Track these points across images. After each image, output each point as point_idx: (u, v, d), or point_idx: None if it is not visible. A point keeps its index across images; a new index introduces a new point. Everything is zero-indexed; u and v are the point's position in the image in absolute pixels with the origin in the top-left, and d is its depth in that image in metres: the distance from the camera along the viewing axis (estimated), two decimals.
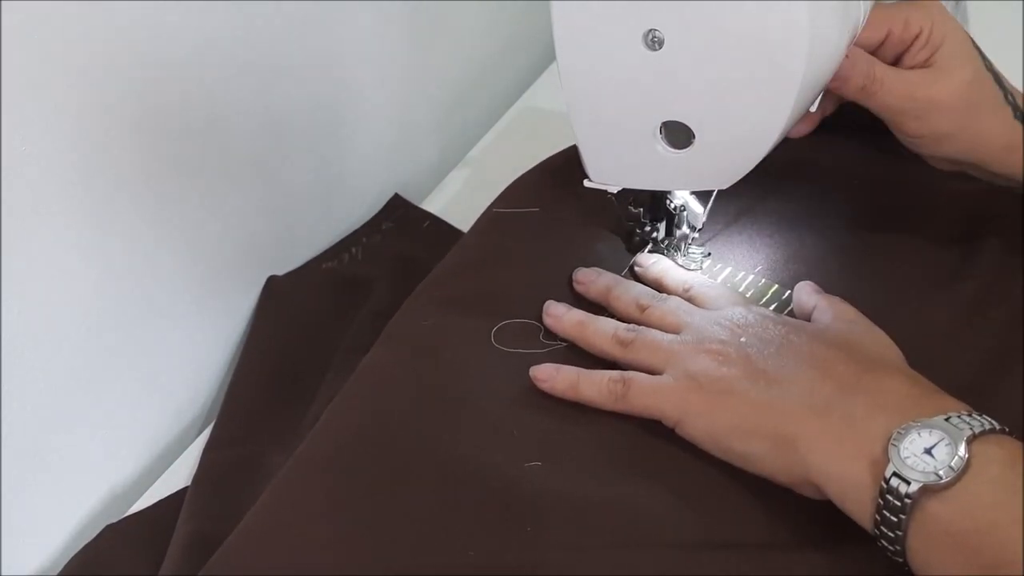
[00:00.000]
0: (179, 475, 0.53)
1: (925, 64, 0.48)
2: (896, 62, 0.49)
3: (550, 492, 0.41)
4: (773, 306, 0.51)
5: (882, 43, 0.49)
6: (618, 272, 0.53)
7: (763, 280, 0.53)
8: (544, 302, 0.50)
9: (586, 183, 0.49)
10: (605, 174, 0.49)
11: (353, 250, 0.65)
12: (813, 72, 0.41)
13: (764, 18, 0.39)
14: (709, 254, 0.54)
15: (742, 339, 0.44)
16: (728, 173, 0.46)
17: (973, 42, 0.50)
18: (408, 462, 0.43)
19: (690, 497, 0.42)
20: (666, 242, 0.53)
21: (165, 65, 0.48)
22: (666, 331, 0.46)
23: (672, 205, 0.52)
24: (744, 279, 0.53)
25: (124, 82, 0.46)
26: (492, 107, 0.79)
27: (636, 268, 0.53)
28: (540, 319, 0.50)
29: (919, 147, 0.50)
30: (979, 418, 0.36)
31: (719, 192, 0.51)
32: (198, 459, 0.52)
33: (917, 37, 0.48)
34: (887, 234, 0.54)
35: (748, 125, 0.43)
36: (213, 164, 0.54)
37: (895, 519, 0.35)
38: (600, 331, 0.48)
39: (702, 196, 0.53)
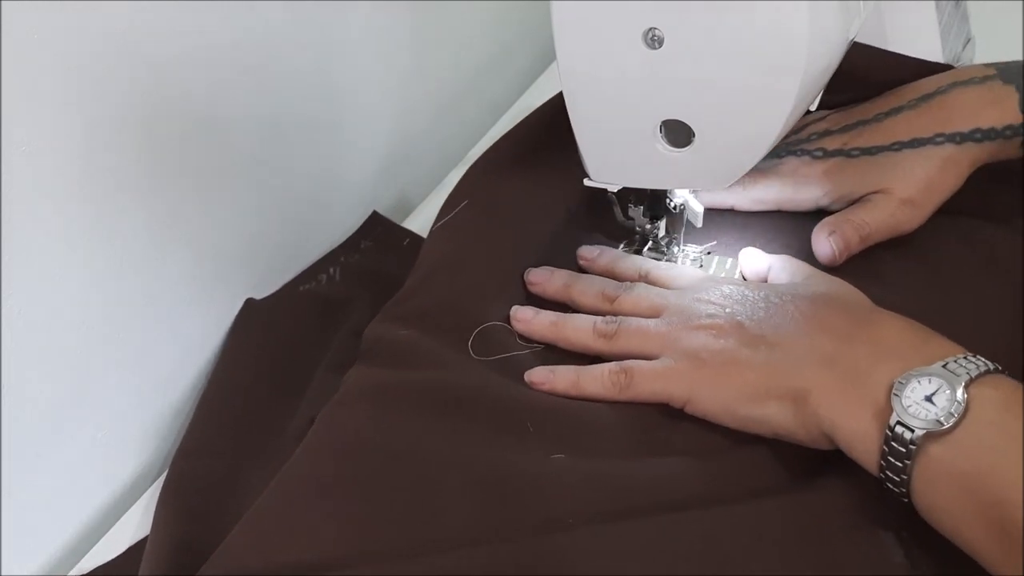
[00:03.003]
0: None
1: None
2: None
3: (576, 479, 0.41)
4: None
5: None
6: (570, 257, 0.53)
7: (716, 257, 0.54)
8: (508, 300, 0.50)
9: (586, 182, 0.49)
10: (605, 173, 0.49)
11: (331, 270, 0.63)
12: (813, 72, 0.41)
13: (764, 17, 0.39)
14: (709, 252, 0.54)
15: (727, 310, 0.45)
16: (728, 172, 0.46)
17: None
18: (421, 465, 0.42)
19: (710, 459, 0.42)
20: (666, 240, 0.53)
21: (165, 66, 0.48)
22: (643, 317, 0.47)
23: (672, 204, 0.52)
24: (698, 259, 0.54)
25: (124, 83, 0.46)
26: (491, 107, 0.79)
27: (581, 261, 0.54)
28: (509, 322, 0.50)
29: None
30: (975, 360, 0.38)
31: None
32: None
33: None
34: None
35: (748, 124, 0.43)
36: (214, 165, 0.54)
37: (900, 464, 0.37)
38: (578, 327, 0.48)
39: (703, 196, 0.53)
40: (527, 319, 0.49)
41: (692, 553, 0.38)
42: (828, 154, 0.53)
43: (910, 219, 0.50)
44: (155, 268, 0.52)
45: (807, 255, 0.50)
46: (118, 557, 0.48)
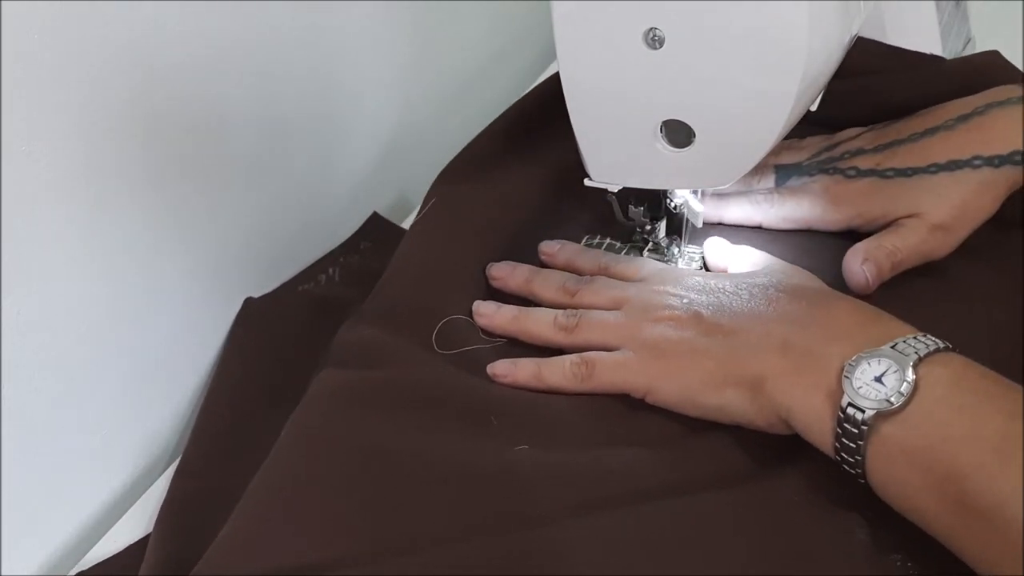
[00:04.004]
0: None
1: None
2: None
3: (545, 470, 0.42)
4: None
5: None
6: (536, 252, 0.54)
7: (684, 249, 0.54)
8: (471, 295, 0.51)
9: (587, 182, 0.49)
10: (605, 173, 0.49)
11: (330, 271, 0.63)
12: (813, 71, 0.41)
13: (764, 17, 0.39)
14: None
15: (685, 301, 0.46)
16: (728, 172, 0.46)
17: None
18: (391, 462, 0.42)
19: (672, 448, 0.43)
20: (666, 241, 0.53)
21: (165, 66, 0.48)
22: (603, 309, 0.48)
23: (672, 204, 0.52)
24: (698, 259, 0.54)
25: (124, 83, 0.46)
26: (492, 108, 0.79)
27: (542, 256, 0.54)
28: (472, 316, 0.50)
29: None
30: (924, 339, 0.38)
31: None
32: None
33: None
34: None
35: (748, 124, 0.43)
36: (214, 164, 0.54)
37: (853, 445, 0.37)
38: (539, 320, 0.49)
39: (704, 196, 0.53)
40: (489, 314, 0.50)
41: (664, 542, 0.39)
42: (861, 173, 0.52)
43: (942, 245, 0.49)
44: (155, 268, 0.52)
45: (834, 277, 0.50)
46: (118, 554, 0.48)
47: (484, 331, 0.50)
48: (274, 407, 0.51)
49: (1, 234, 0.42)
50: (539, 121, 0.59)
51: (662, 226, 0.53)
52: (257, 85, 0.55)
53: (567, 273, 0.52)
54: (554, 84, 0.59)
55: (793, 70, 0.40)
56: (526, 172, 0.57)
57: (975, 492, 0.34)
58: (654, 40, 0.41)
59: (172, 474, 0.53)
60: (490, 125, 0.60)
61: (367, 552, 0.39)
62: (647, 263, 0.52)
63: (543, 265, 0.54)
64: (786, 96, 0.41)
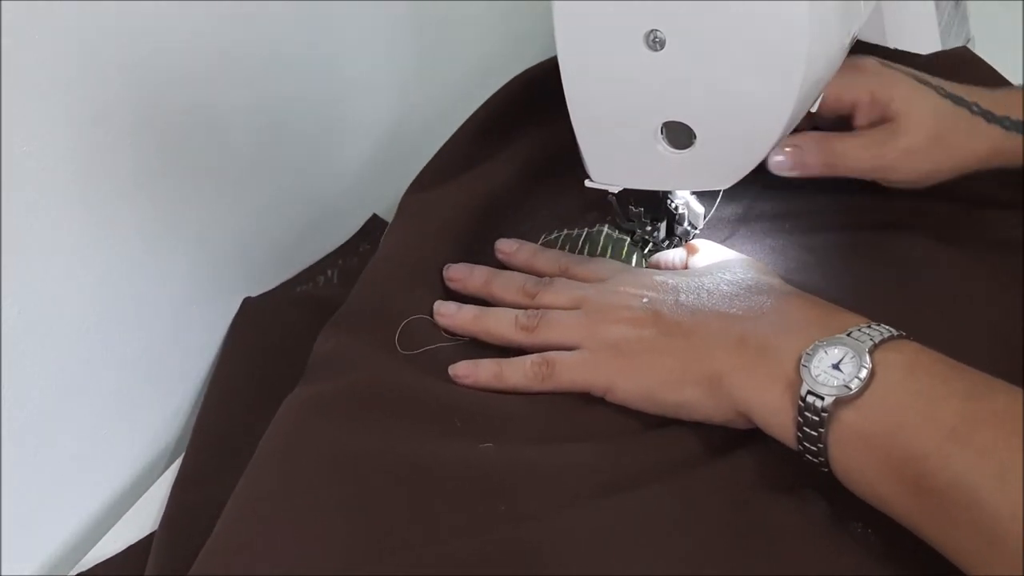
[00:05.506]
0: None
1: (883, 119, 0.50)
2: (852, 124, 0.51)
3: (511, 467, 0.42)
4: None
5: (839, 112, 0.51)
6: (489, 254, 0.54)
7: (626, 238, 0.55)
8: (433, 296, 0.51)
9: (587, 183, 0.50)
10: (606, 174, 0.49)
11: (329, 272, 0.63)
12: (813, 72, 0.41)
13: (764, 18, 0.39)
14: None
15: (644, 300, 0.46)
16: (729, 173, 0.46)
17: (920, 76, 0.51)
18: (359, 468, 0.42)
19: (631, 440, 0.44)
20: (667, 242, 0.54)
21: (165, 66, 0.48)
22: (563, 309, 0.48)
23: (673, 205, 0.52)
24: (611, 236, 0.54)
25: (123, 84, 0.46)
26: None
27: (499, 255, 0.54)
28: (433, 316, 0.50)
29: (906, 187, 0.52)
30: (878, 328, 0.39)
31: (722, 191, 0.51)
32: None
33: (868, 101, 0.50)
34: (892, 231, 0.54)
35: (749, 125, 0.43)
36: (214, 165, 0.54)
37: (815, 433, 0.38)
38: (500, 320, 0.49)
39: (706, 197, 0.53)
40: (450, 314, 0.50)
41: (635, 531, 0.39)
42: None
43: (903, 167, 0.50)
44: (154, 268, 0.52)
45: (815, 272, 0.51)
46: (118, 554, 0.48)
47: (446, 330, 0.50)
48: (271, 407, 0.51)
49: (1, 234, 0.42)
50: (506, 122, 0.60)
51: (662, 226, 0.53)
52: (257, 85, 0.55)
53: (526, 275, 0.52)
54: (522, 83, 0.61)
55: (794, 72, 0.40)
56: (487, 172, 0.58)
57: (931, 474, 0.34)
58: (655, 42, 0.41)
59: (172, 474, 0.53)
60: (455, 132, 0.61)
61: (344, 560, 0.39)
62: (606, 263, 0.52)
63: (500, 264, 0.54)
64: (787, 97, 0.41)
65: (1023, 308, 0.48)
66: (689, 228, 0.53)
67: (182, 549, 0.44)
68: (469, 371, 0.47)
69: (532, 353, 0.47)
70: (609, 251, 0.54)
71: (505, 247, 0.54)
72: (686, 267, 0.51)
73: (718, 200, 0.52)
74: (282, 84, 0.57)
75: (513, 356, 0.48)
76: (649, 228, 0.53)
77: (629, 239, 0.54)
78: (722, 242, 0.54)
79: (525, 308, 0.49)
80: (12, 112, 0.41)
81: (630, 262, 0.53)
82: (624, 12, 0.41)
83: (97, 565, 0.48)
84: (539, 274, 0.52)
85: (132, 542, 0.49)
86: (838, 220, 0.55)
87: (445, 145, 0.60)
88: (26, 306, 0.44)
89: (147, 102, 0.48)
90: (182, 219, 0.52)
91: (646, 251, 0.54)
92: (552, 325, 0.47)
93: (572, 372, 0.46)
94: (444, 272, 0.53)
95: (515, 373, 0.47)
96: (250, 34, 0.53)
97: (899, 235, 0.53)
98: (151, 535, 0.48)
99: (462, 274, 0.52)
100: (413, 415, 0.45)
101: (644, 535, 0.39)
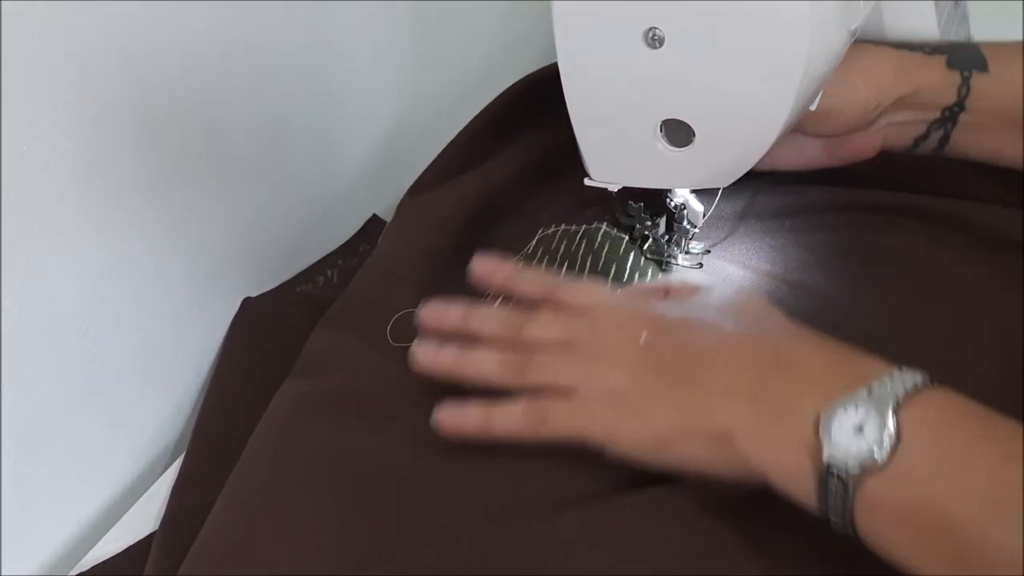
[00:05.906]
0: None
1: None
2: None
3: (510, 467, 0.42)
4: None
5: None
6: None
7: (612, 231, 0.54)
8: (421, 289, 0.50)
9: (587, 181, 0.50)
10: (605, 172, 0.49)
11: (329, 272, 0.63)
12: (813, 71, 0.41)
13: (764, 17, 0.39)
14: (708, 251, 0.54)
15: (644, 339, 0.42)
16: (728, 171, 0.46)
17: None
18: (350, 468, 0.42)
19: None
20: (666, 239, 0.54)
21: (165, 67, 0.48)
22: (549, 348, 0.43)
23: (672, 203, 0.52)
24: (698, 259, 0.53)
25: (123, 84, 0.46)
26: None
27: (475, 278, 0.48)
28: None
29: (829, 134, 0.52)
30: (900, 376, 0.36)
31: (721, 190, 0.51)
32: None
33: None
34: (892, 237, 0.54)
35: (748, 123, 0.43)
36: (214, 165, 0.54)
37: (840, 504, 0.35)
38: (485, 362, 0.44)
39: (705, 195, 0.53)
40: (427, 360, 0.45)
41: (634, 533, 0.39)
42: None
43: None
44: (154, 268, 0.52)
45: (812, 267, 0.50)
46: (118, 555, 0.48)
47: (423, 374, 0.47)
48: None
49: (1, 234, 0.42)
50: (505, 125, 0.60)
51: (662, 222, 0.53)
52: (257, 86, 0.55)
53: (507, 310, 0.46)
54: (520, 88, 0.61)
55: (793, 70, 0.40)
56: (485, 172, 0.58)
57: (969, 546, 0.32)
58: (654, 40, 0.41)
59: (172, 474, 0.53)
60: (453, 138, 0.60)
61: (339, 561, 0.39)
62: (596, 290, 0.46)
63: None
64: (786, 96, 0.41)
65: (1023, 308, 0.48)
66: (688, 226, 0.53)
67: (182, 549, 0.44)
68: (454, 419, 0.42)
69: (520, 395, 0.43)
70: (607, 248, 0.54)
71: (481, 268, 0.47)
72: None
73: (717, 198, 0.52)
74: (282, 84, 0.57)
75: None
76: (649, 224, 0.53)
77: (627, 237, 0.54)
78: (722, 240, 0.54)
79: (508, 342, 0.44)
80: (12, 112, 0.41)
81: (627, 259, 0.53)
82: (623, 10, 0.41)
83: (97, 565, 0.48)
84: (521, 298, 0.47)
85: (132, 542, 0.49)
86: (838, 218, 0.55)
87: (443, 151, 0.60)
88: (26, 306, 0.44)
89: (147, 102, 0.48)
90: (182, 219, 0.52)
91: (645, 247, 0.54)
92: (543, 368, 0.43)
93: (567, 420, 0.41)
94: (418, 314, 0.47)
95: (505, 420, 0.42)
96: (250, 34, 0.53)
97: (899, 234, 0.53)
98: (151, 535, 0.48)
99: (436, 314, 0.46)
100: (408, 413, 0.44)
101: (646, 535, 0.39)
